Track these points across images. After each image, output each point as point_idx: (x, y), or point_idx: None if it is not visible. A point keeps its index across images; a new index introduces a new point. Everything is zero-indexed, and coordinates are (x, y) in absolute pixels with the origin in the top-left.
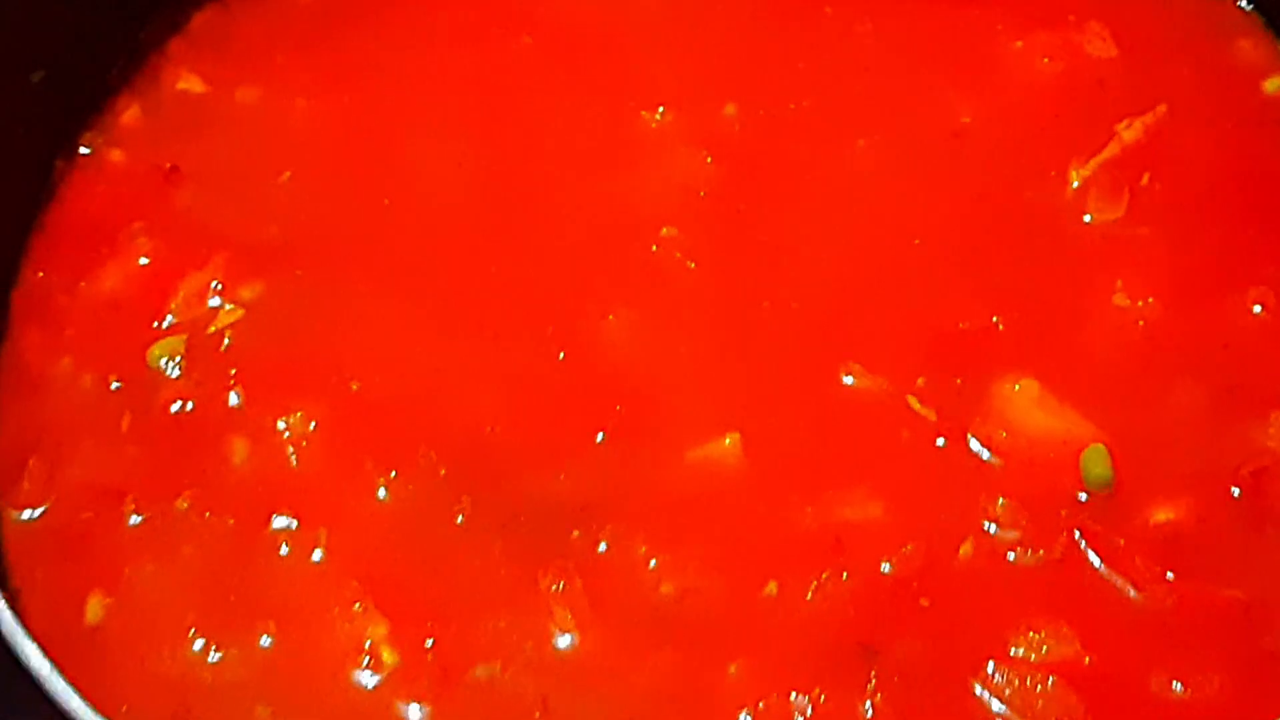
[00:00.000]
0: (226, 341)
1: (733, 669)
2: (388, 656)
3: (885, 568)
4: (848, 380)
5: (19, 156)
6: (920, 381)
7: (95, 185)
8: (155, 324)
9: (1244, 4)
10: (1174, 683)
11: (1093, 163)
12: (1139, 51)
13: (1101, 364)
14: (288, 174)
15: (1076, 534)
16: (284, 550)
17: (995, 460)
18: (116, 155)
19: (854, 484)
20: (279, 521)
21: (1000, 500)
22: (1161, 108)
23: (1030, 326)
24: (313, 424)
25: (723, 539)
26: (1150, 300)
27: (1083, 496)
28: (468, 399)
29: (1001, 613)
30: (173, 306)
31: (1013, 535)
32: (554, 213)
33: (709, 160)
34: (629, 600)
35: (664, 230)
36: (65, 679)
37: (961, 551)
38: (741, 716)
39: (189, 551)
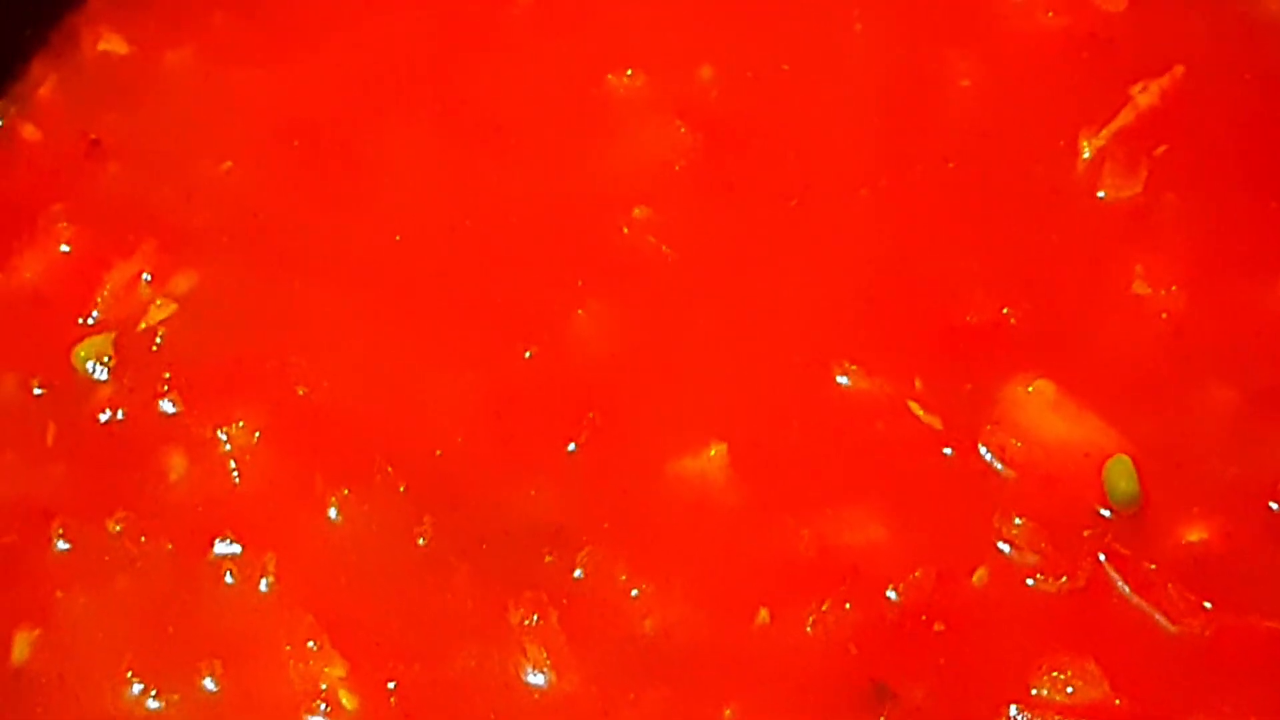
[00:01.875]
0: (159, 340)
1: (728, 712)
2: (346, 701)
3: (891, 596)
4: (843, 381)
5: None
6: (919, 384)
7: (8, 163)
8: (80, 320)
9: None
10: None
11: (1105, 131)
12: (1151, 3)
13: (1122, 362)
14: (229, 163)
15: (1102, 558)
16: (228, 579)
17: (1009, 473)
18: (31, 129)
19: (853, 501)
20: (222, 546)
21: (1016, 519)
22: (1179, 69)
23: (1043, 320)
24: (256, 434)
25: (711, 564)
26: (1173, 288)
27: (1106, 514)
28: (427, 405)
29: (1022, 648)
30: (99, 300)
31: (1031, 559)
32: (515, 194)
33: (684, 130)
34: (609, 635)
35: (636, 211)
36: None
37: (975, 578)
38: None
39: (124, 581)
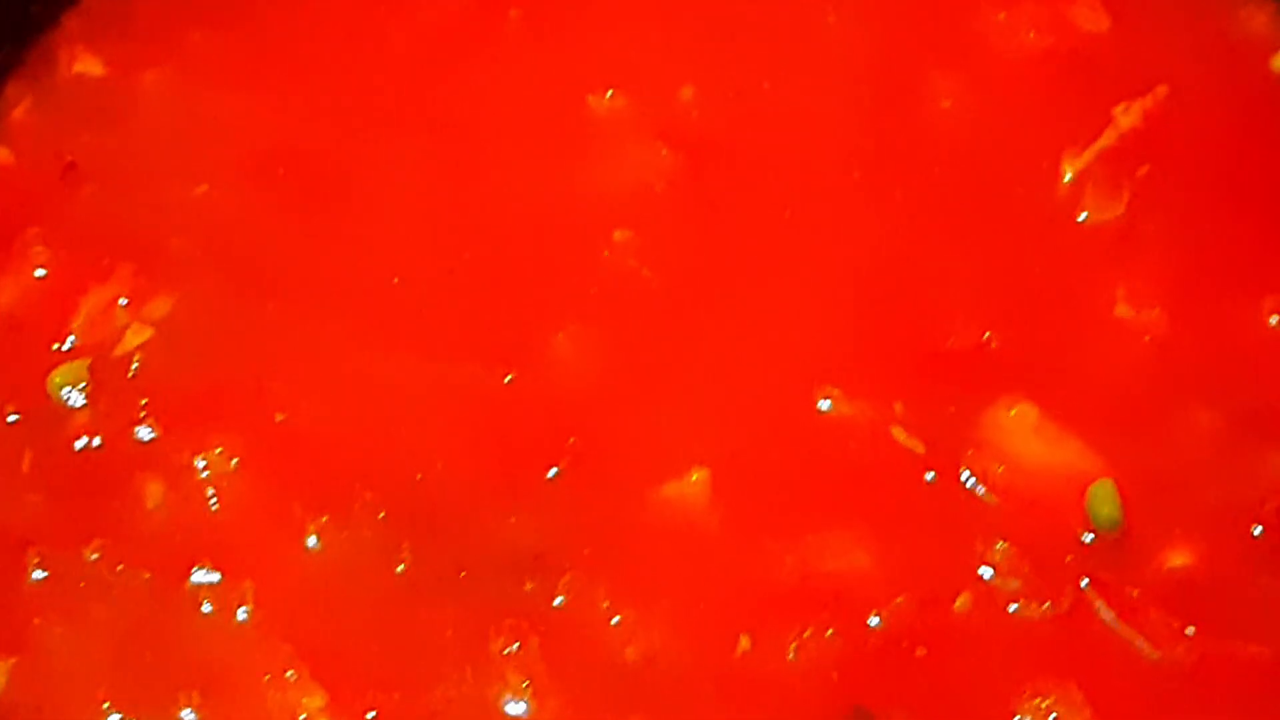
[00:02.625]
0: (135, 366)
1: None
2: None
3: (874, 622)
4: (825, 406)
5: None
6: (901, 408)
7: None
8: (55, 346)
9: None
10: None
11: (1087, 153)
12: (1134, 24)
13: (1105, 386)
14: (205, 186)
15: (1084, 583)
16: (206, 608)
17: (991, 498)
18: (5, 152)
19: (836, 527)
20: (199, 575)
21: (999, 544)
22: (1161, 89)
23: (1025, 343)
24: (234, 461)
25: (693, 591)
26: (1156, 311)
27: (1089, 538)
28: (406, 431)
29: (1004, 674)
30: (75, 326)
31: (1013, 585)
32: (495, 218)
33: (665, 152)
34: (590, 662)
35: (617, 234)
36: None
37: (958, 604)
38: None
39: (101, 610)
